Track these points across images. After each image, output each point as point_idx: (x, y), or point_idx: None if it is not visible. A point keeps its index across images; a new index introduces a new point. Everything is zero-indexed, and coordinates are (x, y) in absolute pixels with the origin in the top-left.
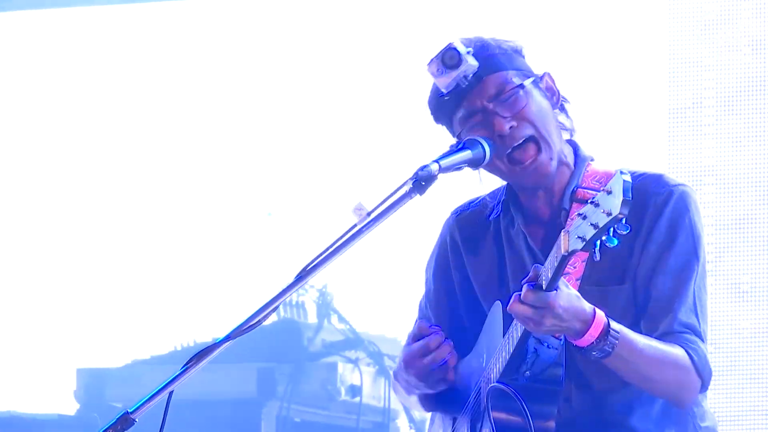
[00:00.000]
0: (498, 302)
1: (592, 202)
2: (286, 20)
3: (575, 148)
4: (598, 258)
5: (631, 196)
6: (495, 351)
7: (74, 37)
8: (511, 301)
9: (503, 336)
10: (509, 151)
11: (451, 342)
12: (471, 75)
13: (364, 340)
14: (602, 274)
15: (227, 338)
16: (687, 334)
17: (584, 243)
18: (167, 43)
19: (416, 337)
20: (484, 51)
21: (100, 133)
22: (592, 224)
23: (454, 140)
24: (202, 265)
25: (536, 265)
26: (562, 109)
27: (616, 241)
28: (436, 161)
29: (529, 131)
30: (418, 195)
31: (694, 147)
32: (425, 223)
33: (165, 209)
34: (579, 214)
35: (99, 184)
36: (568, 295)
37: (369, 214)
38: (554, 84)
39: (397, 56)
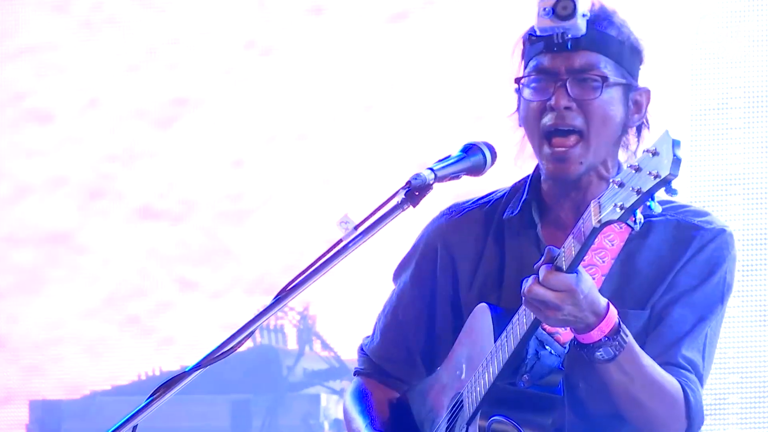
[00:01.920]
0: (482, 306)
1: (630, 167)
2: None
3: (619, 165)
4: (638, 229)
5: (680, 157)
6: (481, 357)
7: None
8: (528, 283)
9: (495, 339)
10: (551, 129)
11: None
12: (570, 37)
13: (351, 369)
14: (625, 294)
15: (197, 366)
16: (688, 371)
17: (623, 212)
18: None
19: None
20: (600, 25)
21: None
22: (634, 189)
23: (451, 148)
24: (169, 280)
25: (550, 247)
26: (638, 131)
27: (660, 208)
28: (431, 169)
29: (578, 123)
30: (410, 206)
31: (719, 153)
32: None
33: (129, 219)
34: (614, 182)
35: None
36: (587, 281)
37: (356, 227)
38: (646, 104)
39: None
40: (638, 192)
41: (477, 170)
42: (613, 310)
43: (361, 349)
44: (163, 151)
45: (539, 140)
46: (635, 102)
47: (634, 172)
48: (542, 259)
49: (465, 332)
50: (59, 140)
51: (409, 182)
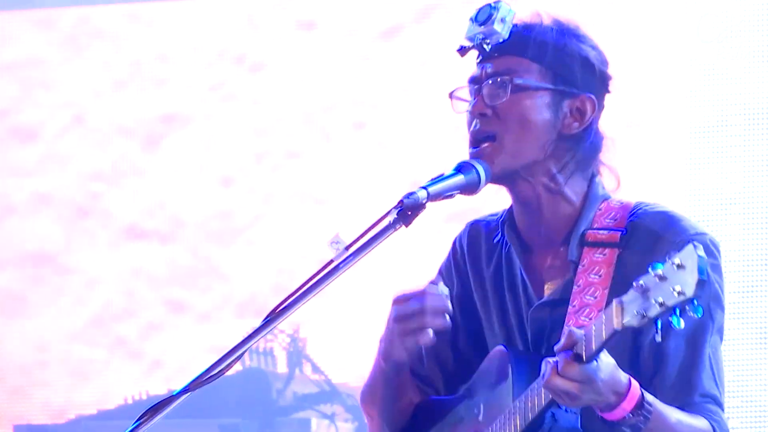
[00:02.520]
0: (501, 349)
1: (657, 275)
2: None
3: (590, 185)
4: (660, 340)
5: (707, 274)
6: (499, 408)
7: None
8: (548, 373)
9: (513, 393)
10: (472, 137)
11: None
12: (492, 42)
13: (342, 392)
14: None
15: (185, 390)
16: (709, 404)
17: (645, 320)
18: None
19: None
20: (525, 31)
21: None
22: (657, 302)
23: (444, 166)
24: (157, 302)
25: (571, 329)
26: (593, 144)
27: (683, 323)
28: (424, 188)
29: (492, 128)
30: (403, 226)
31: (718, 172)
32: (413, 256)
33: (116, 239)
34: (638, 285)
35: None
36: (607, 365)
37: (347, 247)
38: (591, 112)
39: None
40: (661, 305)
41: (471, 189)
42: (635, 386)
43: None
44: (150, 169)
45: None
46: (576, 110)
47: (658, 280)
48: (562, 342)
49: (484, 372)
50: (43, 158)
51: (401, 201)
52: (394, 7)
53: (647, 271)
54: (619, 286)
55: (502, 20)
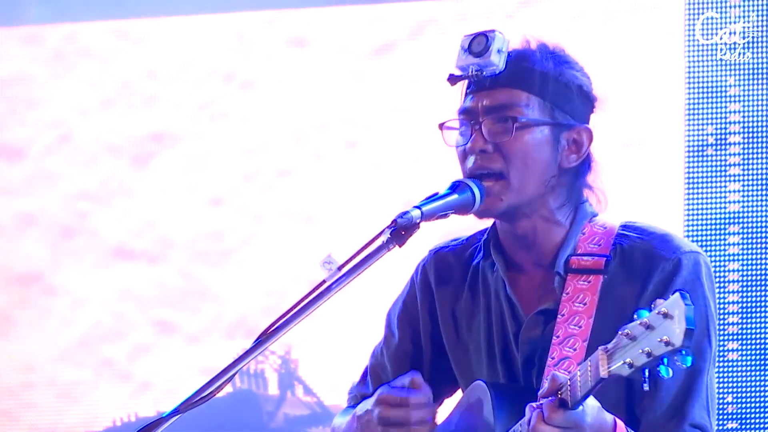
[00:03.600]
0: (480, 385)
1: (643, 323)
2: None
3: (577, 207)
4: (647, 389)
5: (694, 324)
6: None
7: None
8: (533, 420)
9: None
10: (474, 173)
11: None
12: (487, 74)
13: (334, 415)
14: (596, 341)
15: (175, 412)
16: None
17: (632, 370)
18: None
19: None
20: (528, 61)
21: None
22: (644, 351)
23: (438, 185)
24: (145, 323)
25: (554, 374)
26: (583, 171)
27: (671, 373)
28: (418, 207)
29: (497, 166)
30: (396, 246)
31: (716, 191)
32: (406, 277)
33: (104, 259)
34: (624, 333)
35: None
36: (593, 408)
37: (340, 268)
38: (588, 143)
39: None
40: (648, 355)
41: (465, 208)
42: (620, 426)
43: (350, 392)
44: (139, 189)
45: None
46: (573, 141)
47: (644, 329)
48: (546, 387)
49: (464, 406)
50: (30, 177)
51: (394, 221)
52: (386, 23)
53: (632, 303)
54: (603, 314)
55: (499, 51)
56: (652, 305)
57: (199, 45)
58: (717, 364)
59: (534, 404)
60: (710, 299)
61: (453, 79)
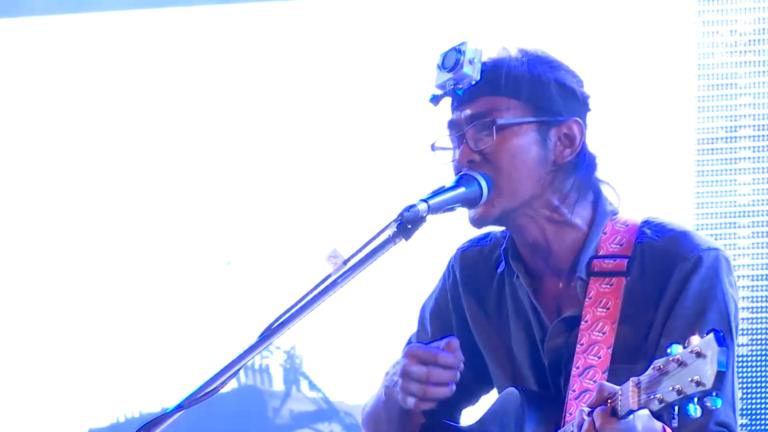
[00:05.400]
0: (513, 391)
1: (675, 360)
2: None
3: (596, 203)
4: (676, 425)
5: (726, 367)
6: None
7: (71, 44)
8: (585, 427)
9: None
10: None
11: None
12: (465, 86)
13: (339, 410)
14: (621, 347)
15: (179, 408)
16: None
17: (662, 405)
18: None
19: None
20: (495, 68)
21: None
22: (674, 389)
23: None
24: (150, 320)
25: (602, 383)
26: (588, 167)
27: (699, 412)
28: (425, 200)
29: (485, 173)
30: (403, 240)
31: (726, 184)
32: (413, 271)
33: (105, 257)
34: (655, 368)
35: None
36: (642, 417)
37: (345, 262)
38: (580, 136)
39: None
40: (679, 393)
41: (473, 201)
42: None
43: None
44: (138, 187)
45: None
46: (564, 136)
47: (677, 365)
48: (594, 397)
49: (498, 412)
50: None
51: (401, 214)
52: (384, 26)
53: (653, 305)
54: (627, 319)
55: (471, 62)
56: (686, 343)
57: (187, 42)
58: None
59: (585, 409)
60: (730, 296)
61: (435, 99)
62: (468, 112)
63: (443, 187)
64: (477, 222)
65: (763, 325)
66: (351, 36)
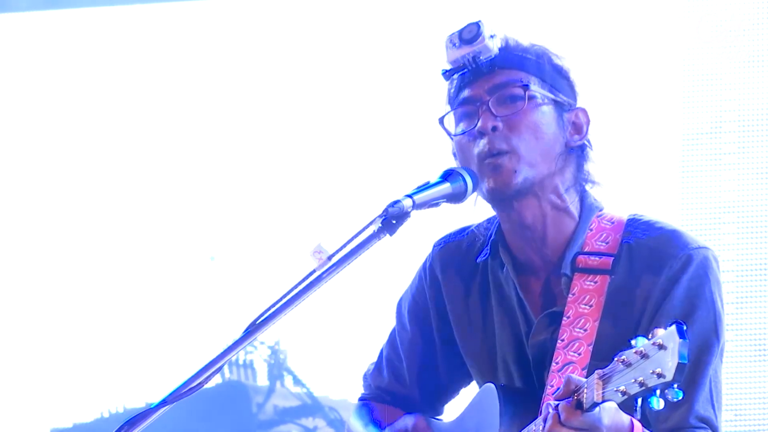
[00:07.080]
0: (490, 387)
1: (638, 352)
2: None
3: (582, 197)
4: (639, 417)
5: (687, 359)
6: None
7: (70, 39)
8: (549, 421)
9: None
10: (484, 156)
11: None
12: (484, 60)
13: (324, 406)
14: (602, 344)
15: (163, 403)
16: (703, 429)
17: (624, 397)
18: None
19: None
20: (515, 48)
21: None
22: (636, 381)
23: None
24: (134, 315)
25: (570, 376)
26: (582, 155)
27: (662, 405)
28: (409, 196)
29: (507, 144)
30: (387, 235)
31: (712, 180)
32: (397, 267)
33: (89, 253)
34: (620, 360)
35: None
36: (609, 410)
37: (330, 257)
38: (586, 125)
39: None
40: (641, 385)
41: (458, 197)
42: (637, 427)
43: (365, 377)
44: (135, 183)
45: (478, 169)
46: (573, 123)
47: (639, 357)
48: (561, 390)
49: (474, 408)
50: None
51: (386, 210)
52: (381, 23)
53: (641, 303)
54: (609, 317)
55: (492, 37)
56: (650, 335)
57: (187, 38)
58: None
59: (551, 404)
60: (717, 295)
61: (448, 73)
62: (488, 84)
63: (428, 182)
64: (496, 192)
65: (749, 319)
66: (333, 31)
